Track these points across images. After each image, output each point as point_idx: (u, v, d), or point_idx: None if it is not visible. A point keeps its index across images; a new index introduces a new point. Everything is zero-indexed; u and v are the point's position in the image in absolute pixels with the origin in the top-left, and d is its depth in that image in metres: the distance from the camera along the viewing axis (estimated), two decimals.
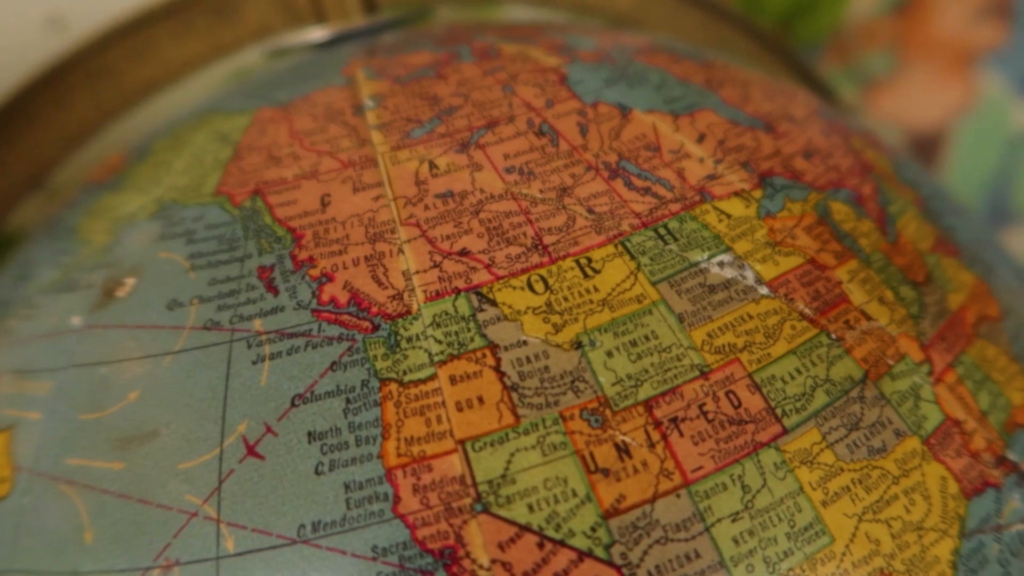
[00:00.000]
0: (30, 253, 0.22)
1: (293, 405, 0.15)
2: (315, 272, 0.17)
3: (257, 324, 0.16)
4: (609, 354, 0.15)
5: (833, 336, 0.17)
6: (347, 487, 0.14)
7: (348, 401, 0.15)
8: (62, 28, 0.30)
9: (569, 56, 0.22)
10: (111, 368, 0.17)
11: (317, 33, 0.27)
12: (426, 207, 0.17)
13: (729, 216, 0.18)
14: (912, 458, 0.16)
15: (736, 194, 0.18)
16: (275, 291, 0.17)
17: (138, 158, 0.22)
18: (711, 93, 0.21)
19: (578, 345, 0.15)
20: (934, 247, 0.20)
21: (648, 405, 0.15)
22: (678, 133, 0.20)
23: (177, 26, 0.27)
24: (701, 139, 0.20)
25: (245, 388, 0.16)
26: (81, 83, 0.26)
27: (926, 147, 0.55)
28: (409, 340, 0.16)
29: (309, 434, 0.15)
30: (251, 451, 0.15)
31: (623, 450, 0.15)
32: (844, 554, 0.15)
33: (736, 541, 0.14)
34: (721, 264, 0.17)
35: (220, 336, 0.16)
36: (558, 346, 0.15)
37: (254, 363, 0.16)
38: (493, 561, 0.14)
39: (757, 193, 0.19)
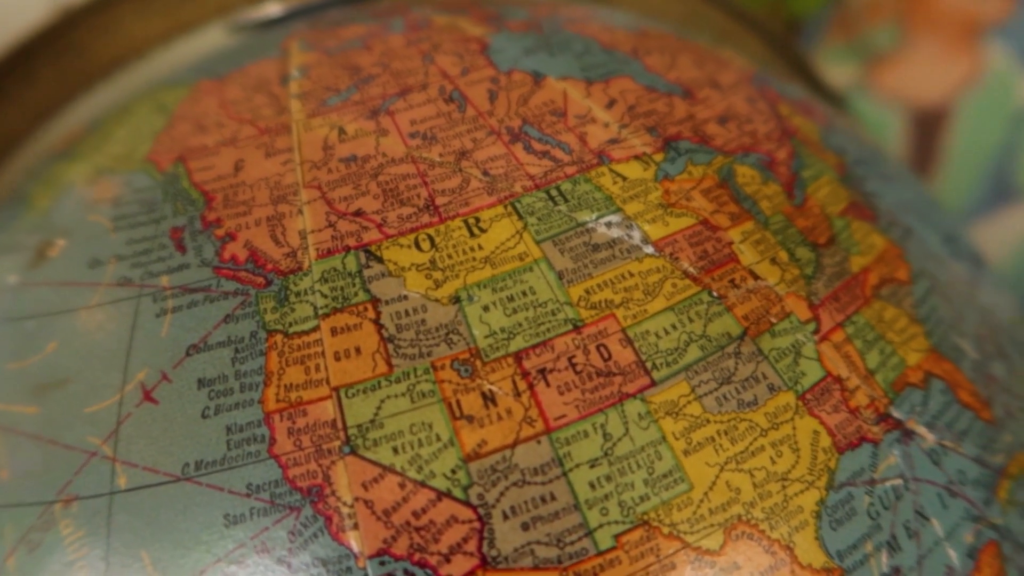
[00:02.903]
0: None
1: (187, 354, 0.16)
2: (220, 232, 0.18)
3: (164, 280, 0.17)
4: (486, 308, 0.16)
5: (715, 294, 0.17)
6: (229, 429, 0.15)
7: (237, 351, 0.16)
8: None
9: (496, 26, 0.22)
10: (36, 322, 0.18)
11: (274, 8, 0.28)
12: (329, 171, 0.18)
13: (624, 178, 0.18)
14: (784, 412, 0.16)
15: (636, 157, 0.19)
16: (183, 250, 0.18)
17: (89, 129, 0.24)
18: (634, 60, 0.22)
19: (456, 300, 0.16)
20: (846, 211, 0.20)
21: (518, 356, 0.16)
22: (588, 99, 0.20)
23: (140, 4, 0.28)
24: (611, 104, 0.20)
25: (147, 339, 0.17)
26: (48, 60, 0.27)
27: (930, 122, 0.54)
28: (298, 295, 0.16)
29: (199, 381, 0.16)
30: (147, 396, 0.16)
31: (489, 398, 0.15)
32: (702, 501, 0.15)
33: (592, 485, 0.15)
34: (608, 224, 0.17)
35: (130, 291, 0.17)
36: (436, 300, 0.16)
37: (157, 316, 0.17)
38: (356, 499, 0.15)
39: (658, 156, 0.19)
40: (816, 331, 0.17)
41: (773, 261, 0.18)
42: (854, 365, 0.17)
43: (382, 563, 0.14)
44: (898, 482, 0.17)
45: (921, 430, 0.17)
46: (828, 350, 0.17)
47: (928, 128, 0.54)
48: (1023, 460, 0.19)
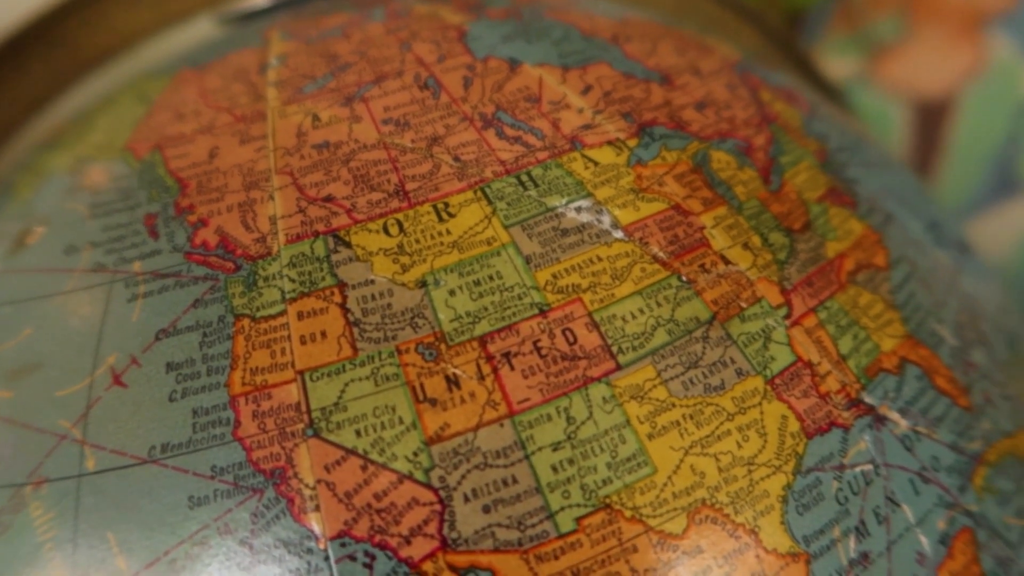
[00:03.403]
0: None
1: (157, 339, 0.16)
2: (193, 218, 0.18)
3: (136, 266, 0.17)
4: (452, 292, 0.16)
5: (684, 278, 0.17)
6: (195, 412, 0.15)
7: (205, 335, 0.16)
8: None
9: (476, 14, 0.22)
10: (12, 307, 0.18)
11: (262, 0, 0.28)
12: (301, 157, 0.18)
13: (596, 164, 0.18)
14: (752, 396, 0.16)
15: (609, 143, 0.19)
16: (156, 236, 0.18)
17: (75, 119, 0.24)
18: (613, 47, 0.22)
19: (423, 284, 0.16)
20: (824, 197, 0.20)
21: (483, 340, 0.16)
22: (563, 85, 0.20)
23: None
24: (586, 91, 0.20)
25: (118, 323, 0.17)
26: (38, 53, 0.27)
27: (933, 114, 0.54)
28: (266, 279, 0.16)
29: (167, 365, 0.16)
30: (117, 380, 0.16)
31: (453, 382, 0.15)
32: (665, 484, 0.15)
33: (554, 469, 0.15)
34: (578, 209, 0.17)
35: (103, 277, 0.18)
36: (403, 285, 0.16)
37: (129, 301, 0.17)
38: (318, 481, 0.15)
39: (632, 142, 0.19)
40: (787, 316, 0.17)
41: (745, 246, 0.18)
42: (826, 350, 0.17)
43: (343, 544, 0.14)
44: (868, 467, 0.16)
45: (894, 416, 0.17)
46: (799, 335, 0.17)
47: (931, 120, 0.54)
48: (1002, 448, 0.19)
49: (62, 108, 0.27)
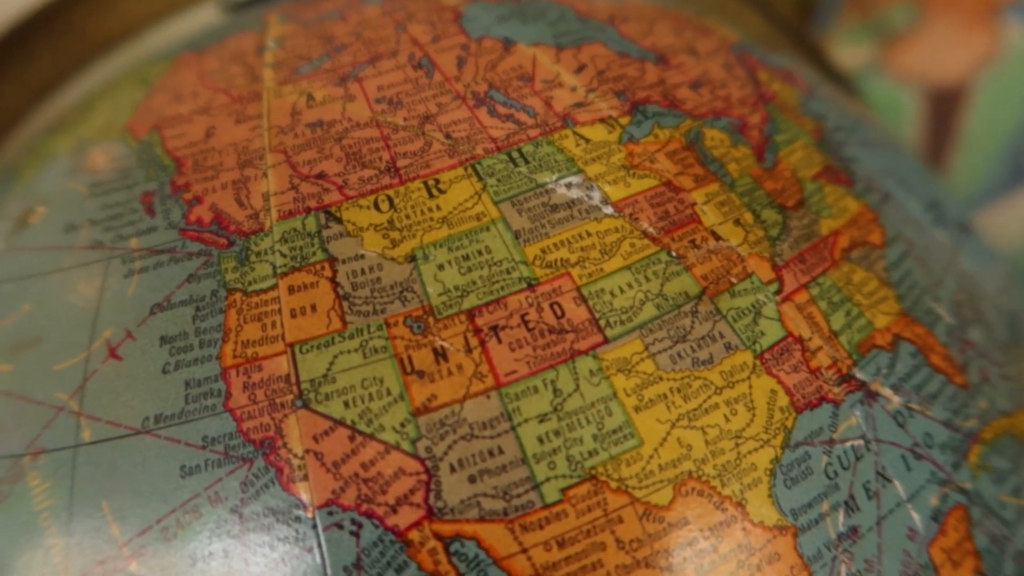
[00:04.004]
0: None
1: (151, 313, 0.17)
2: (188, 196, 0.18)
3: (132, 243, 0.18)
4: (441, 267, 0.16)
5: (674, 254, 0.17)
6: (187, 384, 0.16)
7: (198, 309, 0.16)
8: None
9: None
10: (14, 285, 0.19)
11: None
12: (295, 135, 0.18)
13: (588, 141, 0.18)
14: (741, 371, 0.16)
15: (601, 120, 0.19)
16: (152, 213, 0.18)
17: (79, 104, 0.24)
18: (609, 27, 0.22)
19: (412, 259, 0.16)
20: (819, 175, 0.20)
21: (471, 314, 0.16)
22: (557, 64, 0.20)
23: None
24: (580, 69, 0.20)
25: (115, 299, 0.17)
26: (45, 40, 0.28)
27: (947, 102, 0.53)
28: (258, 254, 0.17)
29: (161, 338, 0.16)
30: (112, 353, 0.16)
31: (440, 354, 0.15)
32: (651, 456, 0.15)
33: (540, 440, 0.15)
34: (568, 185, 0.17)
35: (101, 254, 0.18)
36: (392, 259, 0.16)
37: (125, 277, 0.17)
38: (307, 451, 0.15)
39: (624, 120, 0.19)
40: (778, 292, 0.17)
41: (737, 222, 0.18)
42: (817, 326, 0.17)
43: (330, 513, 0.14)
44: (859, 443, 0.16)
45: (886, 392, 0.17)
46: (790, 310, 0.17)
47: (945, 108, 0.53)
48: (999, 426, 0.19)
49: (68, 95, 0.28)
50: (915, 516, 0.16)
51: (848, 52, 0.57)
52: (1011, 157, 0.52)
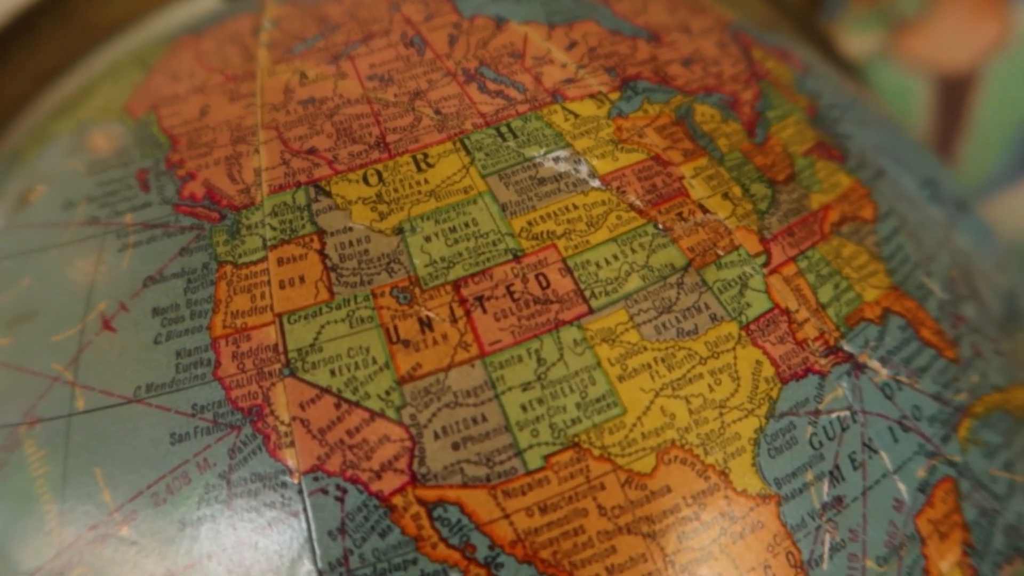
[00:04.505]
0: None
1: (144, 286, 0.17)
2: (182, 172, 0.18)
3: (127, 218, 0.18)
4: (427, 239, 0.16)
5: (660, 226, 0.17)
6: (178, 354, 0.16)
7: (189, 281, 0.17)
8: None
9: None
10: (13, 260, 0.19)
11: None
12: (288, 112, 0.19)
13: (577, 116, 0.18)
14: (726, 341, 0.16)
15: (591, 96, 0.19)
16: (147, 189, 0.18)
17: (81, 88, 0.24)
18: (602, 7, 0.22)
19: (399, 231, 0.16)
20: (811, 151, 0.20)
21: (456, 284, 0.16)
22: (548, 41, 0.20)
23: None
24: (571, 47, 0.20)
25: (110, 272, 0.17)
26: (49, 27, 0.28)
27: (956, 89, 0.53)
28: (248, 228, 0.17)
29: (154, 309, 0.17)
30: (106, 325, 0.17)
31: (426, 324, 0.16)
32: (634, 425, 0.15)
33: (524, 408, 0.15)
34: (556, 159, 0.17)
35: (97, 229, 0.18)
36: (380, 232, 0.16)
37: (120, 251, 0.18)
38: (293, 418, 0.15)
39: (614, 95, 0.19)
40: (766, 264, 0.17)
41: (725, 196, 0.18)
42: (804, 298, 0.17)
43: (316, 479, 0.15)
44: (844, 414, 0.16)
45: (874, 364, 0.17)
46: (777, 283, 0.17)
47: (954, 95, 0.53)
48: (991, 401, 0.19)
49: (73, 81, 0.28)
50: (901, 487, 0.16)
51: (857, 39, 0.56)
52: (1021, 144, 0.51)
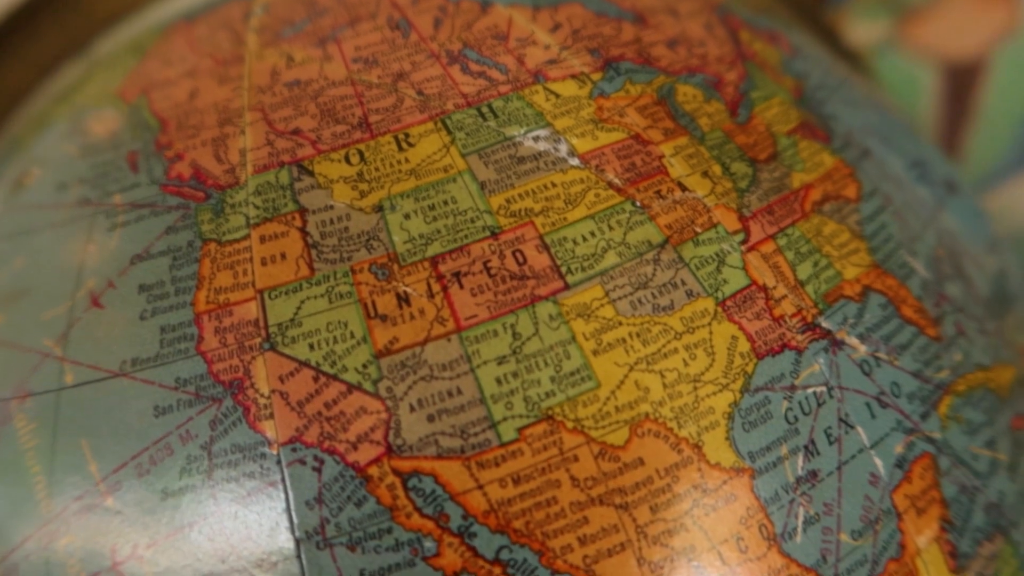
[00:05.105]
0: None
1: (132, 263, 0.17)
2: (170, 153, 0.19)
3: (117, 198, 0.18)
4: (407, 216, 0.17)
5: (638, 204, 0.17)
6: (163, 329, 0.16)
7: (175, 259, 0.17)
8: None
9: None
10: (8, 241, 0.19)
11: None
12: (273, 94, 0.19)
13: (558, 96, 0.18)
14: (701, 317, 0.16)
15: (573, 76, 0.19)
16: (136, 170, 0.19)
17: (79, 76, 0.25)
18: None
19: (379, 208, 0.17)
20: (795, 130, 0.20)
21: (434, 261, 0.16)
22: (532, 23, 0.20)
23: None
24: (555, 28, 0.20)
25: (99, 251, 0.18)
26: (50, 17, 0.28)
27: (964, 77, 0.52)
28: (233, 206, 0.17)
29: (140, 286, 0.17)
30: (95, 302, 0.17)
31: (403, 299, 0.16)
32: (608, 398, 0.15)
33: (499, 381, 0.15)
34: (536, 138, 0.18)
35: (88, 210, 0.18)
36: (360, 209, 0.17)
37: (109, 230, 0.18)
38: (273, 391, 0.15)
39: (596, 76, 0.19)
40: (744, 242, 0.17)
41: (705, 174, 0.18)
42: (782, 275, 0.17)
43: (294, 450, 0.15)
44: (821, 389, 0.16)
45: (852, 341, 0.17)
46: (755, 260, 0.17)
47: (962, 83, 0.52)
48: (974, 380, 0.19)
49: (73, 71, 0.29)
50: (878, 462, 0.16)
51: (864, 28, 0.56)
52: None
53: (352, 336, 0.16)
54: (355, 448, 0.15)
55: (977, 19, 0.53)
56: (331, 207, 0.17)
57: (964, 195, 0.23)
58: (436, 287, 0.16)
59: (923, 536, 0.16)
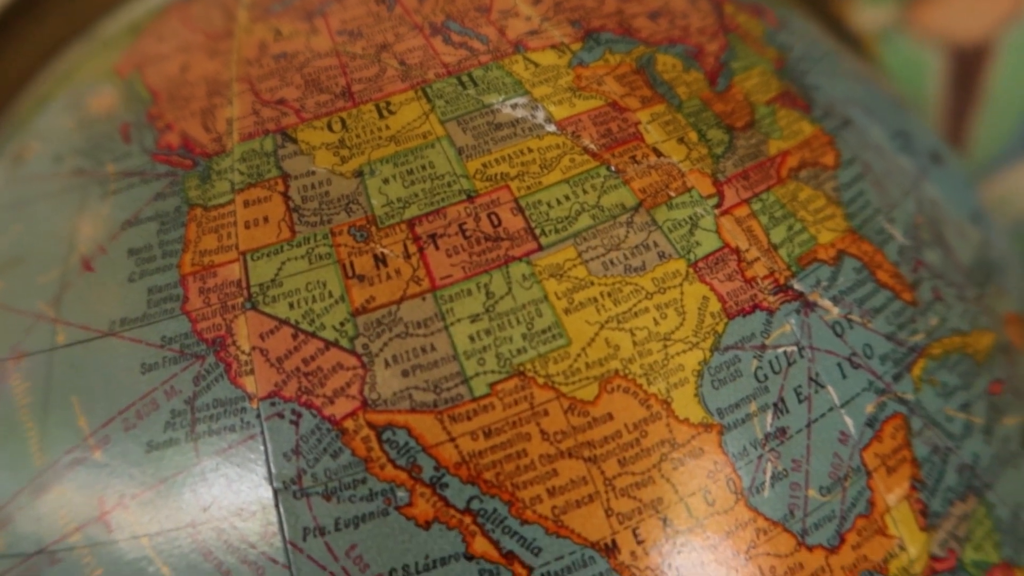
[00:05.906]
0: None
1: (122, 229, 0.18)
2: (161, 124, 0.19)
3: (109, 168, 0.19)
4: (386, 181, 0.17)
5: (612, 168, 0.17)
6: (150, 291, 0.17)
7: (162, 224, 0.17)
8: None
9: None
10: (8, 211, 0.20)
11: None
12: (260, 66, 0.19)
13: (537, 65, 0.19)
14: (673, 278, 0.16)
15: (553, 46, 0.19)
16: (129, 141, 0.19)
17: (79, 57, 0.26)
18: None
19: (359, 174, 0.17)
20: (774, 100, 0.20)
21: (411, 223, 0.17)
22: None
23: None
24: (538, 1, 0.20)
25: (91, 217, 0.18)
26: (53, 1, 0.29)
27: (970, 61, 0.52)
28: (219, 173, 0.18)
29: (129, 250, 0.17)
30: (86, 266, 0.18)
31: (380, 260, 0.16)
32: (579, 355, 0.16)
33: (472, 338, 0.16)
34: (514, 106, 0.18)
35: (82, 179, 0.19)
36: (341, 174, 0.17)
37: (101, 198, 0.19)
38: (253, 348, 0.16)
39: (576, 46, 0.19)
40: (718, 206, 0.18)
41: (680, 140, 0.18)
42: (756, 239, 0.17)
43: (272, 404, 0.15)
44: (791, 349, 0.17)
45: (825, 303, 0.17)
46: (728, 223, 0.17)
47: (968, 67, 0.52)
48: (950, 344, 0.19)
49: (75, 55, 0.29)
50: (848, 421, 0.17)
51: (870, 12, 0.56)
52: None
53: (330, 295, 0.16)
54: (331, 402, 0.15)
55: (983, 2, 0.53)
56: (313, 172, 0.17)
57: (950, 166, 0.23)
58: (412, 248, 0.16)
59: (893, 494, 0.17)
